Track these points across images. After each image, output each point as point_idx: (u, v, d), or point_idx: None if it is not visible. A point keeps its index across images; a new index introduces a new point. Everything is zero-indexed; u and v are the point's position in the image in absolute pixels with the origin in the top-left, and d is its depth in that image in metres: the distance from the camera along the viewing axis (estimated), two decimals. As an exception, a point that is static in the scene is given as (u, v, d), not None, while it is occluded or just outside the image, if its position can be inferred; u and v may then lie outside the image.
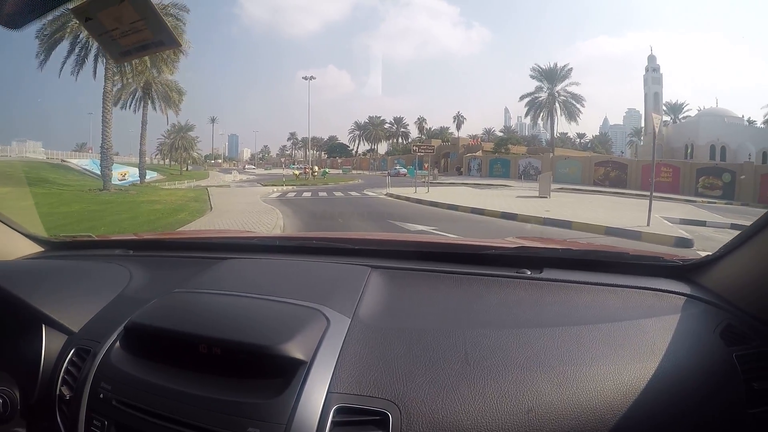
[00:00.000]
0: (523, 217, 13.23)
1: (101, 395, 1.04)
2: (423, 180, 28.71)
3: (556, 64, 58.71)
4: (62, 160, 43.33)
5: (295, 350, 0.96)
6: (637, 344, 1.03)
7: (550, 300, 1.24)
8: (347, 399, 0.91)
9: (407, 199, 19.72)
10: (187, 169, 74.15)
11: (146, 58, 16.01)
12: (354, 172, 70.30)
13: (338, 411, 0.89)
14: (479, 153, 58.18)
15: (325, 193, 25.55)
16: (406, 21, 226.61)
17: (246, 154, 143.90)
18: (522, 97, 60.83)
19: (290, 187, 33.48)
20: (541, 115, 59.31)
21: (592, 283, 1.30)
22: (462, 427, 0.87)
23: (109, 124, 26.01)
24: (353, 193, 24.92)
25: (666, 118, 61.98)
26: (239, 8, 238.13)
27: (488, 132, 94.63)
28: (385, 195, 22.92)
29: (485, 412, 0.88)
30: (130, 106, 40.46)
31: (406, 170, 60.32)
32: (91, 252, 1.90)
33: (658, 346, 1.03)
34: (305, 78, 55.90)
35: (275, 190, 29.89)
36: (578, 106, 58.55)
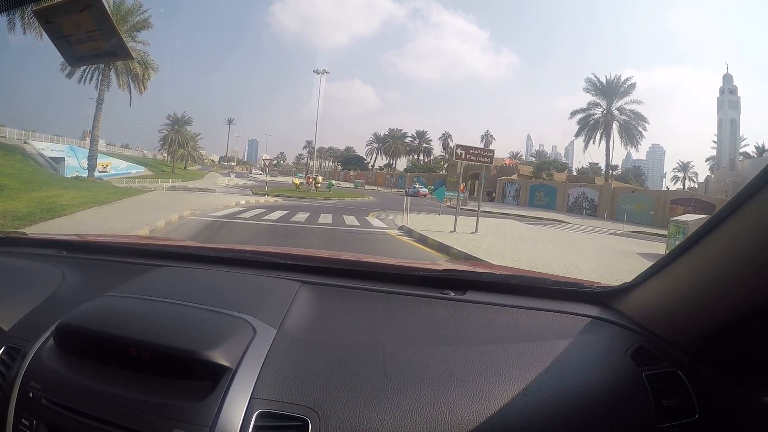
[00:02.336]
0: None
1: (31, 394, 1.04)
2: (448, 204, 22.53)
3: (618, 77, 50.06)
4: (24, 141, 37.65)
5: (222, 357, 0.98)
6: (551, 364, 1.09)
7: (472, 320, 1.30)
8: (269, 405, 0.94)
9: (441, 247, 11.64)
10: (184, 167, 68.65)
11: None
12: (367, 187, 63.00)
13: (260, 416, 0.92)
14: (515, 177, 49.71)
15: (306, 215, 18.20)
16: (435, 41, 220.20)
17: (263, 160, 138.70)
18: (573, 114, 51.71)
19: (275, 199, 26.89)
20: (595, 136, 50.35)
21: (511, 306, 1.36)
22: None
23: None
24: (351, 221, 17.29)
25: (746, 149, 52.89)
26: (270, 16, 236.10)
27: (515, 156, 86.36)
28: (398, 231, 15.08)
29: (400, 423, 0.92)
30: (90, 80, 32.63)
31: (426, 190, 52.84)
32: (24, 250, 1.85)
33: (570, 366, 1.09)
34: (316, 72, 48.40)
35: (245, 202, 23.01)
36: (640, 128, 49.35)
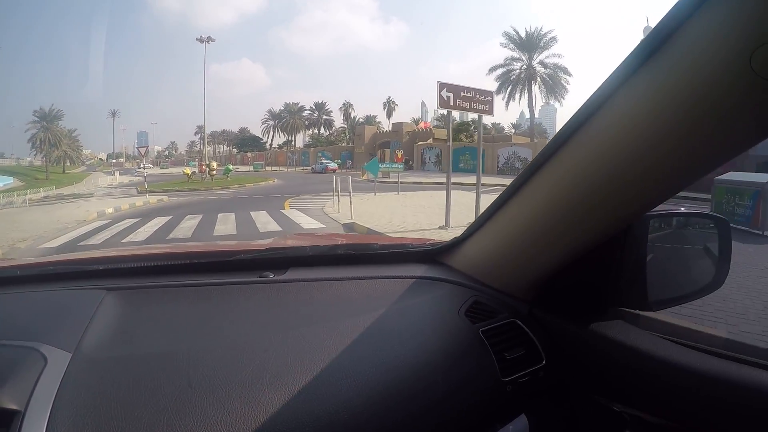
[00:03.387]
0: None
1: None
2: (365, 178, 20.68)
3: (538, 29, 48.56)
4: None
5: (6, 399, 0.82)
6: (378, 336, 1.02)
7: (290, 301, 1.19)
8: None
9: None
10: (63, 170, 59.24)
11: None
12: (268, 168, 57.09)
13: None
14: (430, 141, 46.06)
15: (197, 219, 13.27)
16: (323, 14, 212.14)
17: (154, 152, 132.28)
18: (492, 69, 49.35)
19: (158, 198, 21.41)
20: (515, 92, 48.67)
21: (336, 279, 1.27)
22: None
23: None
24: (264, 223, 12.18)
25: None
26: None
27: (415, 122, 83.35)
28: (345, 232, 10.60)
29: None
30: None
31: (335, 164, 47.68)
32: None
33: (399, 334, 1.03)
34: (200, 40, 41.73)
35: (112, 210, 17.29)
36: (563, 81, 47.90)
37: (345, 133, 74.90)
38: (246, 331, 1.06)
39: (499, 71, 49.44)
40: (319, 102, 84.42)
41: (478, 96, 9.10)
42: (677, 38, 0.64)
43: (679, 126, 0.71)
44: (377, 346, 0.99)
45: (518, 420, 1.06)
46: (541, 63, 48.36)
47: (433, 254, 1.38)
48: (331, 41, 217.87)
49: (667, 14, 0.64)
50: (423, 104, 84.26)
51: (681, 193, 0.83)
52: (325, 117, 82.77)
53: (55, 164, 56.01)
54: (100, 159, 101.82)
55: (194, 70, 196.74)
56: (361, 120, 79.81)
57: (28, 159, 64.42)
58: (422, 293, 1.19)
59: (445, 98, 8.57)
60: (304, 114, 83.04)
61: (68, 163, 62.35)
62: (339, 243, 1.59)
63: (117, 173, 48.52)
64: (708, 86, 0.64)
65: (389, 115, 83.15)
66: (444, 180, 10.39)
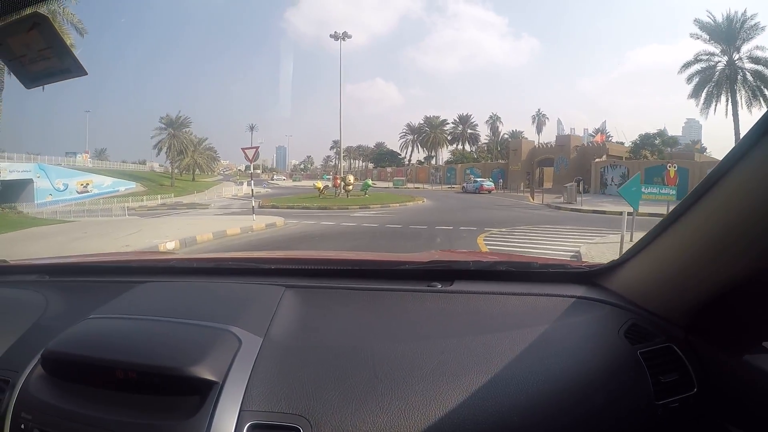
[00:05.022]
0: None
1: (22, 425, 1.05)
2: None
3: (738, 13, 34.07)
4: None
5: (207, 371, 0.98)
6: (543, 349, 1.07)
7: (460, 311, 1.27)
8: (259, 416, 0.93)
9: None
10: (193, 178, 60.00)
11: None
12: (410, 185, 50.26)
13: (252, 428, 0.92)
14: (604, 158, 36.23)
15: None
16: (453, 33, 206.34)
17: (290, 165, 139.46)
18: (684, 66, 36.43)
19: (274, 221, 15.32)
20: (720, 95, 35.41)
21: (499, 293, 1.33)
22: None
23: None
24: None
25: None
26: (285, 23, 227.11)
27: (590, 135, 72.25)
28: None
29: (393, 423, 0.91)
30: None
31: (492, 183, 38.84)
32: (5, 278, 1.83)
33: (563, 349, 1.07)
34: (333, 36, 36.76)
35: (210, 236, 12.08)
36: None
37: (492, 149, 66.67)
38: (421, 334, 1.14)
39: (693, 68, 36.10)
40: (464, 114, 76.87)
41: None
42: None
43: None
44: (543, 358, 1.03)
45: None
46: (750, 57, 34.18)
47: (590, 275, 1.38)
48: (461, 60, 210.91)
49: None
50: (559, 121, 73.84)
51: None
52: (470, 131, 75.12)
53: (184, 172, 55.74)
54: (239, 170, 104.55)
55: (329, 90, 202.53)
56: (506, 135, 71.07)
57: (154, 164, 65.64)
58: (582, 312, 1.21)
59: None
60: (446, 128, 76.24)
61: (198, 171, 61.63)
62: (498, 260, 1.63)
63: (245, 184, 46.01)
64: None
65: (539, 129, 73.47)
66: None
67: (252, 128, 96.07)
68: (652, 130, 40.98)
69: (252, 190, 19.61)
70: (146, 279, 1.56)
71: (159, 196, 35.92)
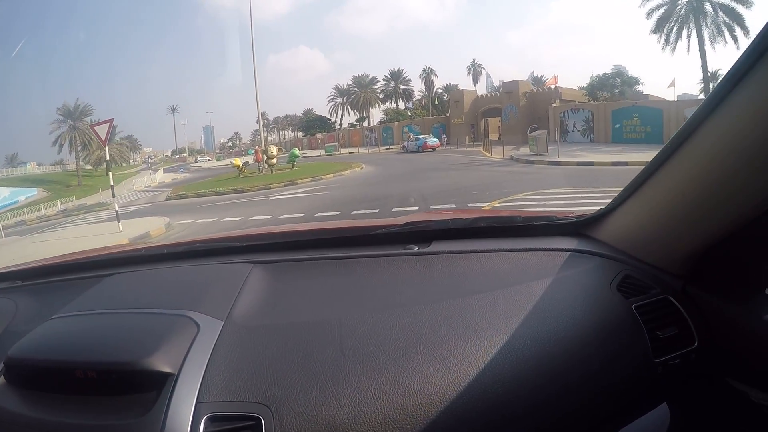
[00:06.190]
0: None
1: None
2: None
3: None
4: None
5: (161, 363, 0.92)
6: (530, 308, 1.01)
7: (437, 274, 1.20)
8: (217, 407, 0.87)
9: None
10: (107, 173, 51.33)
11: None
12: (343, 150, 46.15)
13: (209, 421, 0.86)
14: (557, 104, 33.25)
15: None
16: None
17: (216, 144, 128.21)
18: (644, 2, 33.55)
19: (163, 225, 11.90)
20: (681, 31, 32.90)
21: (481, 251, 1.26)
22: (338, 421, 0.84)
23: None
24: None
25: None
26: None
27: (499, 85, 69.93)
28: None
29: (362, 404, 0.85)
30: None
31: (437, 140, 34.84)
32: None
33: (552, 307, 1.02)
34: None
35: None
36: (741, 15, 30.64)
37: (428, 105, 63.31)
38: (395, 303, 1.07)
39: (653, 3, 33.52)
40: (396, 70, 71.91)
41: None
42: None
43: None
44: (528, 319, 0.97)
45: (659, 409, 1.03)
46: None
47: (578, 227, 1.32)
48: (388, 19, 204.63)
49: None
50: (488, 75, 71.09)
51: None
52: (403, 87, 70.68)
53: (96, 167, 49.50)
54: (166, 156, 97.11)
55: (251, 63, 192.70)
56: (440, 90, 67.70)
57: (70, 163, 57.62)
58: (570, 266, 1.15)
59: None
60: (376, 86, 71.76)
61: (114, 164, 55.64)
62: (480, 216, 1.55)
63: (161, 171, 40.99)
64: None
65: (475, 80, 70.14)
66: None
67: (173, 109, 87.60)
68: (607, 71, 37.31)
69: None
70: (114, 272, 1.47)
71: (59, 201, 31.30)
